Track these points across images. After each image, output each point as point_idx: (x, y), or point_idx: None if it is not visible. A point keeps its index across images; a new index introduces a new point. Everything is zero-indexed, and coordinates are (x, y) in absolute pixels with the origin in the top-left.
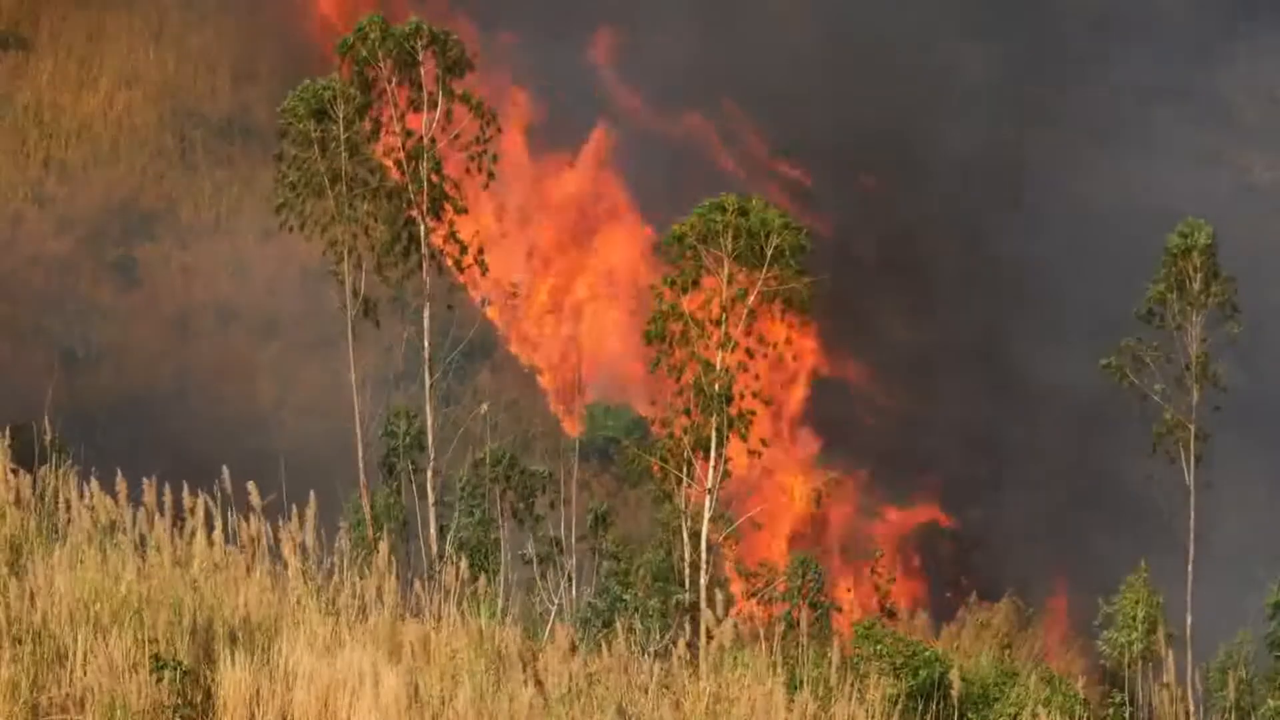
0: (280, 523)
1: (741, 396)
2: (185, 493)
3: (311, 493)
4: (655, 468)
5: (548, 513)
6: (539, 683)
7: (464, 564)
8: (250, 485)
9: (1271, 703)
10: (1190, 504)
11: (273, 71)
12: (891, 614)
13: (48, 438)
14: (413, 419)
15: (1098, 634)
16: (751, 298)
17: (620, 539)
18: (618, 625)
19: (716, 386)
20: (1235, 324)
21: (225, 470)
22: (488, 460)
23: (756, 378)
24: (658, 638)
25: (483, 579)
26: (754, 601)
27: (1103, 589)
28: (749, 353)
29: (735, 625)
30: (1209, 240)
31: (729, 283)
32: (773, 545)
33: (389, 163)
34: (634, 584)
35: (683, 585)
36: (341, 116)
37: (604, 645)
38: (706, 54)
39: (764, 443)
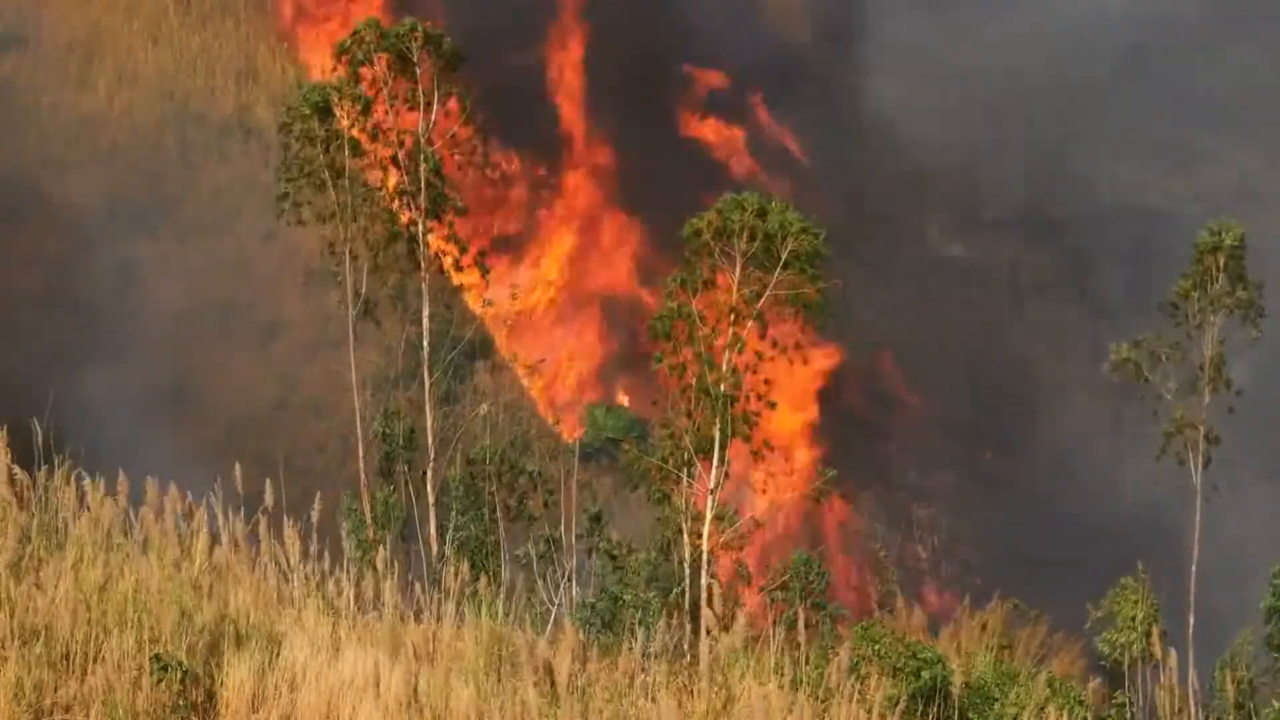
0: (282, 523)
1: (748, 399)
2: (187, 493)
3: (317, 494)
4: (654, 469)
5: (544, 513)
6: (540, 683)
7: (464, 564)
8: (237, 480)
9: (1276, 704)
10: (1197, 505)
11: (273, 71)
12: (884, 605)
13: (49, 438)
14: (405, 419)
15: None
16: (763, 300)
17: (620, 539)
18: (618, 625)
19: (721, 387)
20: (1255, 328)
21: (238, 469)
22: (486, 456)
23: (765, 381)
24: (658, 637)
25: (483, 579)
26: (757, 601)
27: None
28: (759, 355)
29: (744, 625)
30: (1236, 241)
31: (739, 285)
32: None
33: (387, 163)
34: (632, 584)
35: (683, 585)
36: (345, 115)
37: (605, 645)
38: None
39: (768, 444)
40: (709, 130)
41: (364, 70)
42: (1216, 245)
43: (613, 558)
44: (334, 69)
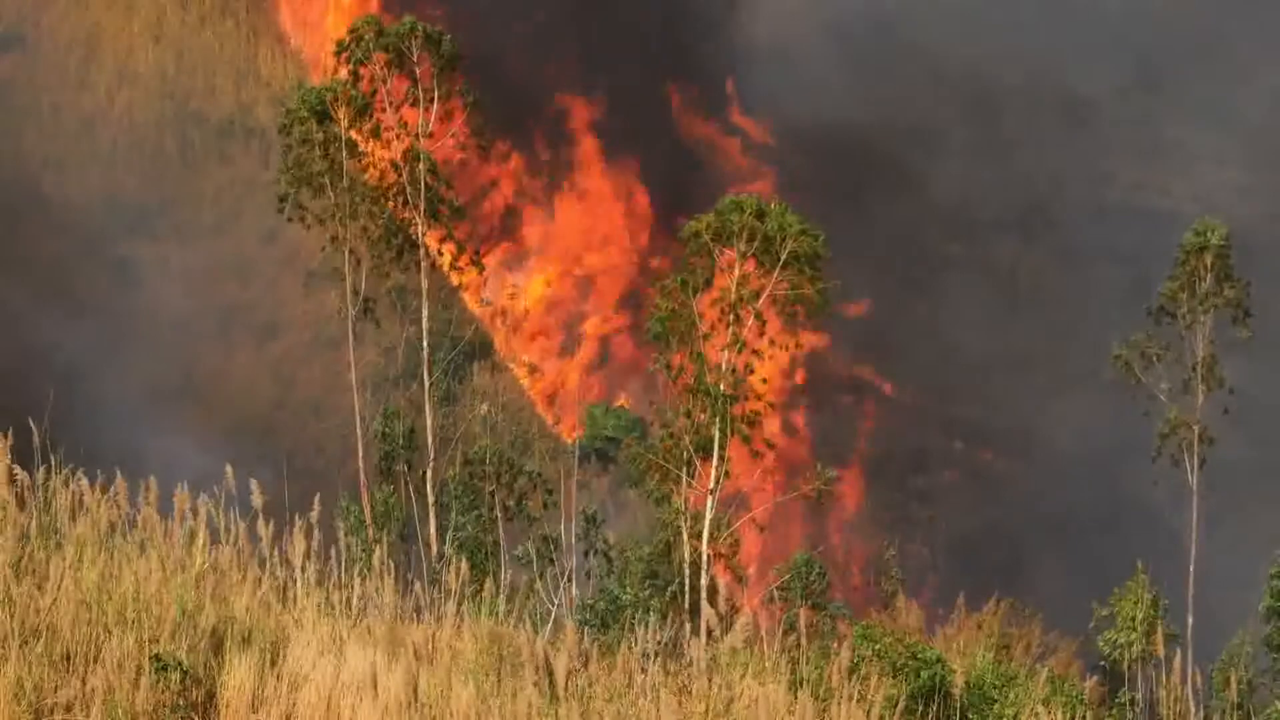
0: (282, 523)
1: (747, 399)
2: (188, 493)
3: (316, 495)
4: (654, 468)
5: (543, 513)
6: (540, 683)
7: (464, 564)
8: (254, 485)
9: (1277, 704)
10: (1193, 505)
11: (273, 71)
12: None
13: (48, 439)
14: (405, 419)
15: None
16: (762, 300)
17: (617, 540)
18: (617, 625)
19: (721, 387)
20: (1244, 328)
21: (232, 470)
22: (485, 458)
23: (764, 380)
24: (657, 637)
25: (483, 579)
26: (758, 601)
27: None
28: (758, 353)
29: (746, 625)
30: (1222, 241)
31: (738, 285)
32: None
33: (385, 164)
34: (630, 584)
35: (682, 585)
36: (343, 117)
37: (603, 645)
38: None
39: (768, 444)
40: (706, 132)
41: (363, 69)
42: (1203, 245)
43: (609, 559)
44: (334, 70)
